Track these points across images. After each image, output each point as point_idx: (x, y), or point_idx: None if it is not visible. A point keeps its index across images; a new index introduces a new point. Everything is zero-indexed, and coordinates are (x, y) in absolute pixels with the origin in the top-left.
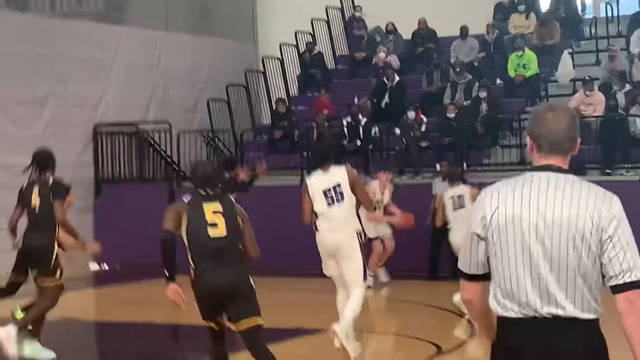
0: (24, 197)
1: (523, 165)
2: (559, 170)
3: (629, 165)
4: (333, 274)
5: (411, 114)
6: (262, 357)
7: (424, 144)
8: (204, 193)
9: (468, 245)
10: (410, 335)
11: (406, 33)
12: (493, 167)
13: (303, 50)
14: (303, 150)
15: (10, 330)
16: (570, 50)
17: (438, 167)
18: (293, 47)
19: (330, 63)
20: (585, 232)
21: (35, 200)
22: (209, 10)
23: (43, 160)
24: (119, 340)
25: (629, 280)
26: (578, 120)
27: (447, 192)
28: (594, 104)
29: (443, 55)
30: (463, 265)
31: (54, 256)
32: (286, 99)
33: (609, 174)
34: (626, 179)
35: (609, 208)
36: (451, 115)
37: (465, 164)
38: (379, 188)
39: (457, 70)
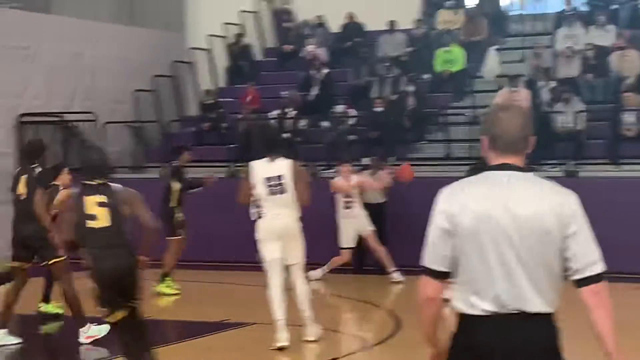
0: (13, 185)
1: (449, 160)
2: (517, 168)
3: (554, 162)
4: (275, 256)
5: (339, 107)
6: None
7: (351, 138)
8: (91, 183)
9: (435, 241)
10: (335, 329)
11: (335, 26)
12: (421, 161)
13: (231, 41)
14: (230, 143)
15: (89, 330)
16: (496, 46)
17: (366, 160)
18: (221, 38)
19: (258, 55)
20: (550, 228)
21: (22, 188)
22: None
23: (28, 152)
24: (46, 334)
25: (593, 273)
26: (531, 118)
27: None
28: (519, 100)
29: (371, 49)
30: (430, 262)
31: (47, 239)
32: (214, 91)
33: (533, 170)
34: (550, 175)
35: (570, 204)
36: (379, 109)
37: (392, 158)
38: (343, 180)
39: (385, 64)
